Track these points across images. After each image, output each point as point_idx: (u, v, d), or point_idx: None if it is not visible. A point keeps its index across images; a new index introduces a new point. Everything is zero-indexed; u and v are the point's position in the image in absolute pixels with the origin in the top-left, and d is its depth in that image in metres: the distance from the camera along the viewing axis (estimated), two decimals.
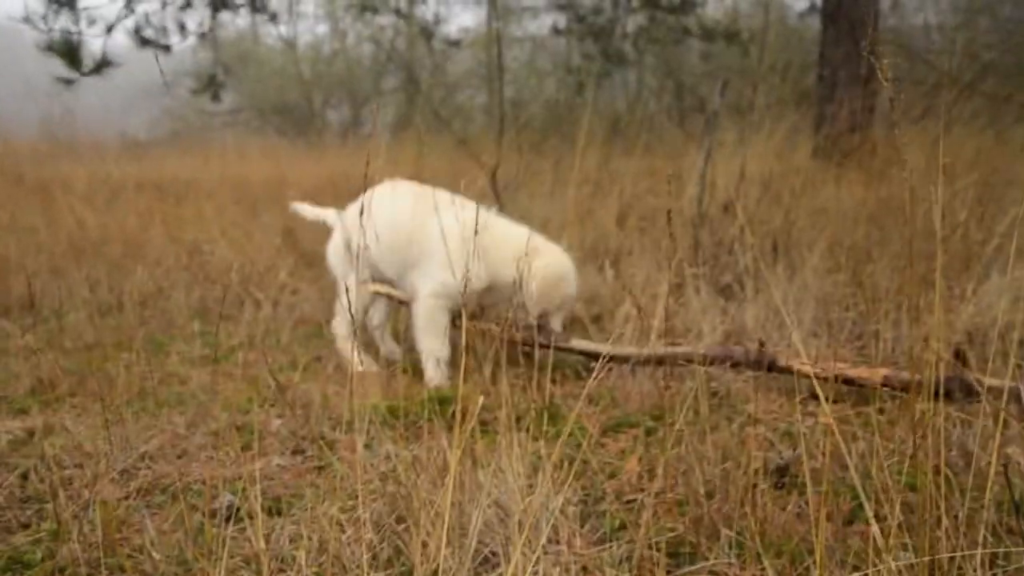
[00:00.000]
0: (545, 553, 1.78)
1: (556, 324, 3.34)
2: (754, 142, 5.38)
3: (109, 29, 5.54)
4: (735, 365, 3.04)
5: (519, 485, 1.92)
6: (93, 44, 5.86)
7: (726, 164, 5.27)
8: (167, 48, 6.34)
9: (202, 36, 6.39)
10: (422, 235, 3.30)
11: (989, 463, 1.76)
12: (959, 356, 2.69)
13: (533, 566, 1.68)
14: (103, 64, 5.60)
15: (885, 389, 2.77)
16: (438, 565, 1.72)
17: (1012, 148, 6.26)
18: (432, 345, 3.31)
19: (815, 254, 4.00)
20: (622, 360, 3.17)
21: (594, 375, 2.54)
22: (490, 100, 15.85)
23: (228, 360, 3.66)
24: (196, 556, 1.89)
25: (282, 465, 2.54)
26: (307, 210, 3.89)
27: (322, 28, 22.20)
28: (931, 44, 10.81)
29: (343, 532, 1.95)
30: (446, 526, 1.70)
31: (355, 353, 3.15)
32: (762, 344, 3.03)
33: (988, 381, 2.60)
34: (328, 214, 3.81)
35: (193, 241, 5.62)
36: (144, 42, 6.19)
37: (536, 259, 3.21)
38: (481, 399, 1.80)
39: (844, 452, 1.82)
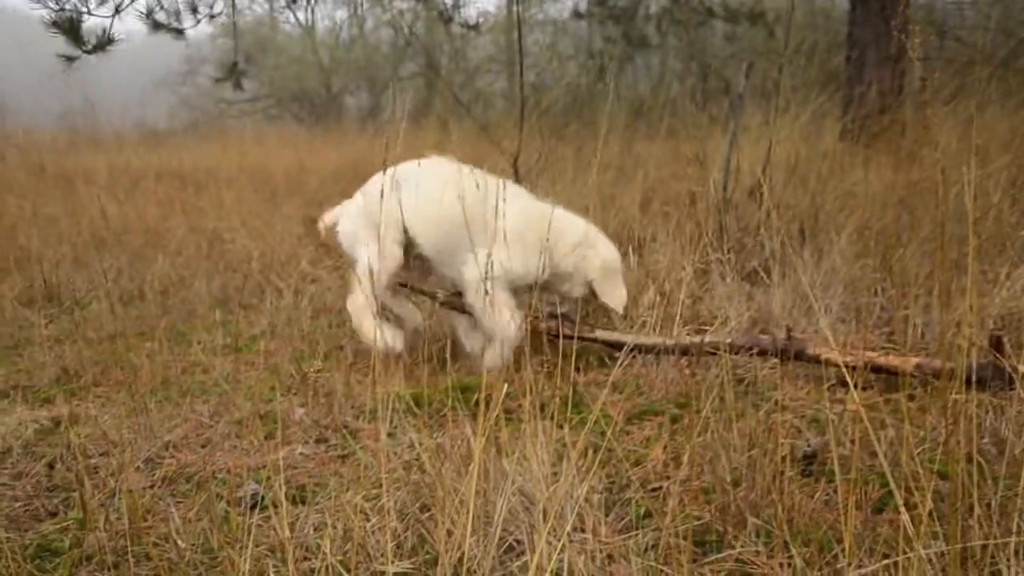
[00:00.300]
0: (570, 541, 1.76)
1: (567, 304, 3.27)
2: (780, 125, 5.29)
3: (117, 9, 5.49)
4: (762, 354, 3.00)
5: (544, 473, 1.91)
6: (103, 25, 5.82)
7: (752, 148, 5.20)
8: (180, 32, 6.28)
9: (211, 18, 6.32)
10: (485, 219, 3.06)
11: (1023, 450, 1.72)
12: (995, 343, 2.63)
13: (558, 554, 1.67)
14: (107, 41, 5.52)
15: (916, 377, 2.72)
16: (463, 553, 1.71)
17: None
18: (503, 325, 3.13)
19: (843, 238, 3.93)
20: (647, 350, 3.13)
21: (619, 363, 2.53)
22: (510, 85, 15.79)
23: (250, 349, 3.67)
24: (221, 544, 1.90)
25: (305, 454, 2.54)
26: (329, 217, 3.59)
27: (340, 14, 22.21)
28: (964, 21, 10.55)
29: (367, 520, 1.95)
30: (471, 514, 1.69)
31: (377, 328, 3.03)
32: (789, 331, 2.99)
33: (1023, 368, 2.54)
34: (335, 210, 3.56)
35: (214, 230, 5.65)
36: (156, 26, 6.13)
37: (592, 251, 3.18)
38: (505, 387, 1.79)
39: (873, 439, 1.79)
